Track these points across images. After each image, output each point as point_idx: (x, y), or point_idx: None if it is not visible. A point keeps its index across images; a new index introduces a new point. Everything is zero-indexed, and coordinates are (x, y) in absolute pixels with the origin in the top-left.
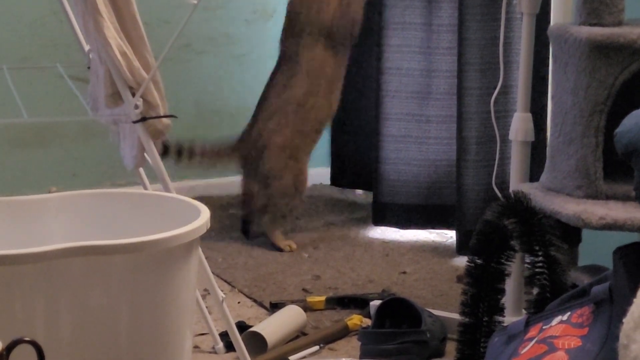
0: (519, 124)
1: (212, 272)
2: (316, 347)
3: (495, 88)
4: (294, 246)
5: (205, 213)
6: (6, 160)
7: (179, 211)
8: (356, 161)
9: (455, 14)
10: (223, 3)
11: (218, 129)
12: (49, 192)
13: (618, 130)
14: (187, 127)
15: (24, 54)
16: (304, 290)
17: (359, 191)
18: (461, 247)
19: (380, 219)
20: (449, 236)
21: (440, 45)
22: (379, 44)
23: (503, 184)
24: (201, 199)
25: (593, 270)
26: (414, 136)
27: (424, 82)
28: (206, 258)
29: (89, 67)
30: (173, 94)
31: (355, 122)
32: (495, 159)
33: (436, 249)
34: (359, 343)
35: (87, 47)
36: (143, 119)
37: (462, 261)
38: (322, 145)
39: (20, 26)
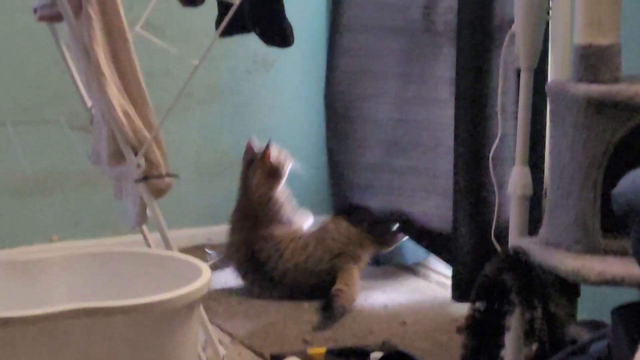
0: (517, 178)
1: (213, 323)
2: None
3: (489, 138)
4: None
5: (206, 273)
6: (8, 209)
7: (181, 270)
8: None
9: (451, 67)
10: (224, 53)
11: (217, 178)
12: (51, 240)
13: (615, 190)
14: (187, 176)
15: (26, 104)
16: (305, 341)
17: None
18: (457, 294)
19: None
20: (447, 285)
21: (437, 97)
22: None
23: (500, 234)
24: (201, 246)
25: (592, 325)
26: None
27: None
28: (207, 308)
29: (91, 122)
30: (173, 143)
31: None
32: (489, 210)
33: (435, 299)
34: None
35: (89, 103)
36: (145, 178)
37: (461, 311)
38: (320, 191)
39: (23, 76)
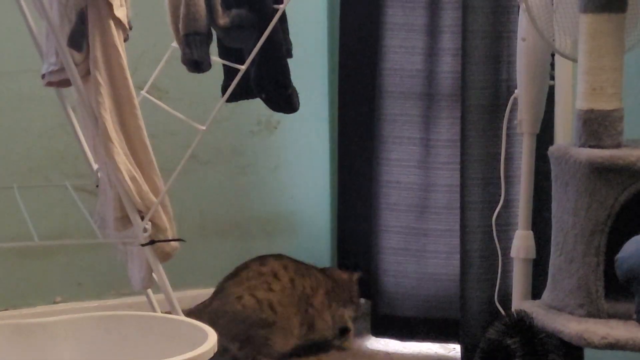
0: (520, 242)
1: None
2: None
3: (496, 202)
4: None
5: (212, 337)
6: (11, 271)
7: (186, 335)
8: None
9: (452, 129)
10: (228, 115)
11: (221, 239)
12: (54, 302)
13: (619, 255)
14: (191, 237)
15: (31, 165)
16: None
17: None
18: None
19: (380, 331)
20: (451, 348)
21: (438, 160)
22: (378, 157)
23: (505, 296)
24: None
25: None
26: (412, 249)
27: (423, 196)
28: None
29: (97, 185)
30: (177, 204)
31: (357, 233)
32: (497, 273)
33: None
34: None
35: (95, 166)
36: (152, 242)
37: None
38: (322, 254)
39: (28, 138)
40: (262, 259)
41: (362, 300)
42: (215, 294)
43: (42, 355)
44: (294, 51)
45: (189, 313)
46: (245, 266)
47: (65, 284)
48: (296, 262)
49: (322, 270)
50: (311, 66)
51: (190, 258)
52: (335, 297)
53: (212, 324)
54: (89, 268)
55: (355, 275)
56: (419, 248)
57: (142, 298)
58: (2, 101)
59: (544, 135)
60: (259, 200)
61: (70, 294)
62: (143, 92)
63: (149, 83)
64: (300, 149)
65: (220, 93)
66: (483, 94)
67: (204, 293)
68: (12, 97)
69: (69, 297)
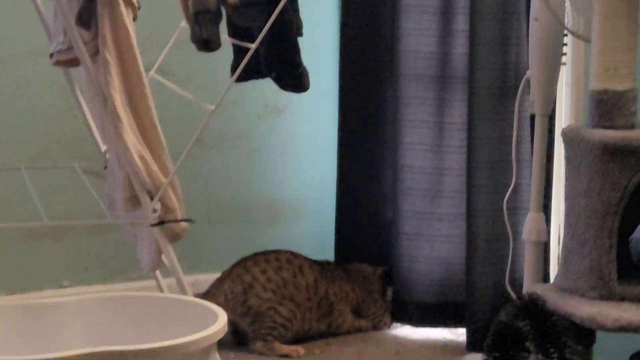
0: (532, 224)
1: None
2: None
3: (503, 185)
4: (302, 351)
5: (222, 317)
6: (19, 254)
7: (196, 315)
8: (365, 256)
9: (466, 112)
10: (235, 98)
11: (228, 223)
12: (61, 286)
13: (633, 236)
14: (197, 221)
15: (39, 149)
16: None
17: None
18: (472, 343)
19: (395, 316)
20: (460, 333)
21: (451, 143)
22: (395, 141)
23: (514, 281)
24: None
25: None
26: (426, 234)
27: (436, 180)
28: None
29: (105, 167)
30: (184, 188)
31: (363, 217)
32: (503, 256)
33: (447, 346)
34: None
35: (103, 147)
36: (161, 223)
37: (474, 358)
38: (327, 240)
39: (35, 121)
40: (276, 251)
41: (389, 293)
42: (225, 275)
43: (51, 336)
44: (304, 30)
45: (202, 296)
46: (255, 253)
47: (72, 268)
48: (309, 259)
49: (344, 266)
50: (321, 46)
51: (196, 242)
52: (359, 292)
53: (224, 305)
54: (97, 252)
55: (379, 270)
56: (432, 232)
57: (150, 282)
58: (10, 84)
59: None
60: (266, 185)
61: (78, 278)
62: (151, 73)
63: (157, 65)
64: (307, 133)
65: (229, 74)
66: (491, 76)
67: (210, 278)
68: (20, 80)
69: (76, 281)
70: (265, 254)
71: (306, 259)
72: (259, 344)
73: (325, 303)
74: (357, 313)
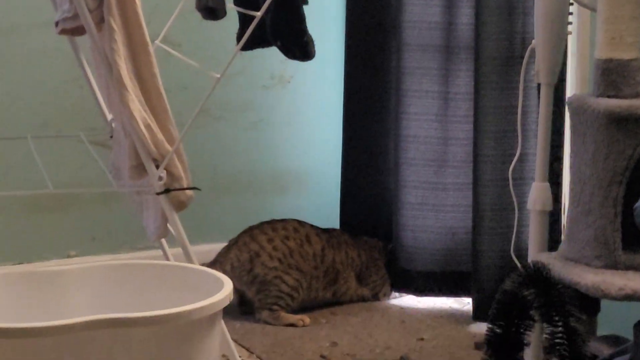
0: (537, 194)
1: (231, 337)
2: None
3: (509, 155)
4: (307, 320)
5: (228, 285)
6: (25, 225)
7: (201, 283)
8: (369, 227)
9: (471, 82)
10: (241, 69)
11: (233, 194)
12: (68, 256)
13: (637, 204)
14: (203, 191)
15: (44, 119)
16: (322, 356)
17: None
18: (478, 313)
19: (398, 286)
20: (466, 302)
21: (457, 113)
22: (397, 111)
23: (520, 251)
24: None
25: (612, 340)
26: (431, 204)
27: (441, 150)
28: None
29: (111, 136)
30: (190, 158)
31: (368, 188)
32: (510, 226)
33: (453, 315)
34: None
35: (109, 116)
36: (167, 191)
37: (479, 327)
38: (333, 210)
39: (41, 92)
40: (282, 220)
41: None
42: (232, 244)
43: (56, 303)
44: None
45: (209, 265)
46: (262, 222)
47: (79, 238)
48: (315, 227)
49: (352, 238)
50: (327, 15)
51: (202, 213)
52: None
53: (230, 273)
54: (103, 222)
55: (388, 245)
56: (437, 202)
57: (157, 252)
58: (16, 55)
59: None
60: (272, 156)
61: (84, 248)
62: (157, 42)
63: (162, 34)
64: (313, 103)
65: (234, 43)
66: (497, 46)
67: (216, 248)
68: (25, 51)
69: (83, 252)
70: (272, 222)
71: (313, 227)
72: (264, 313)
73: (331, 271)
74: (359, 279)
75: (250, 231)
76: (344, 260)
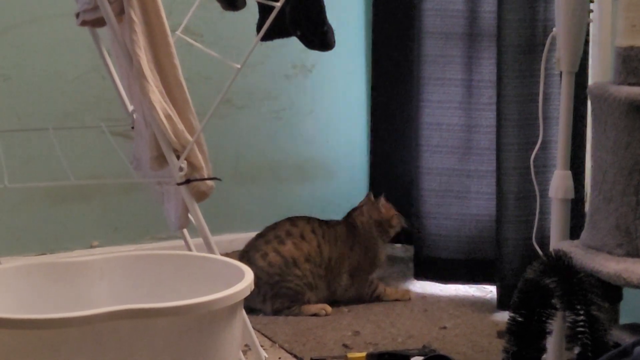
0: (559, 182)
1: (253, 327)
2: None
3: (533, 143)
4: (329, 309)
5: (249, 275)
6: (48, 215)
7: (223, 273)
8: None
9: (494, 69)
10: (263, 58)
11: (256, 184)
12: (91, 246)
13: None
14: (225, 182)
15: (66, 109)
16: (344, 345)
17: (398, 245)
18: (502, 301)
19: (421, 274)
20: (488, 290)
21: (480, 100)
22: (420, 99)
23: (543, 239)
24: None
25: (634, 328)
26: (455, 191)
27: (464, 137)
28: (247, 313)
29: (132, 127)
30: (213, 148)
31: (394, 176)
32: (533, 214)
33: (475, 304)
34: None
35: (130, 107)
36: (187, 181)
37: (502, 316)
38: (356, 199)
39: (62, 82)
40: (292, 220)
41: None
42: (244, 253)
43: (78, 294)
44: None
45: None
46: (274, 226)
47: (101, 228)
48: (323, 225)
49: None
50: (347, 4)
51: (224, 202)
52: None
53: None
54: (126, 213)
55: (372, 197)
56: (461, 189)
57: (179, 242)
58: (37, 46)
59: (579, 76)
60: (294, 145)
61: (107, 238)
62: (178, 33)
63: (183, 25)
64: (336, 92)
65: (255, 33)
66: (520, 33)
67: (239, 237)
68: (47, 41)
69: (106, 242)
70: (264, 235)
71: (308, 221)
72: (285, 312)
73: (329, 267)
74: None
75: (245, 253)
76: (337, 258)
